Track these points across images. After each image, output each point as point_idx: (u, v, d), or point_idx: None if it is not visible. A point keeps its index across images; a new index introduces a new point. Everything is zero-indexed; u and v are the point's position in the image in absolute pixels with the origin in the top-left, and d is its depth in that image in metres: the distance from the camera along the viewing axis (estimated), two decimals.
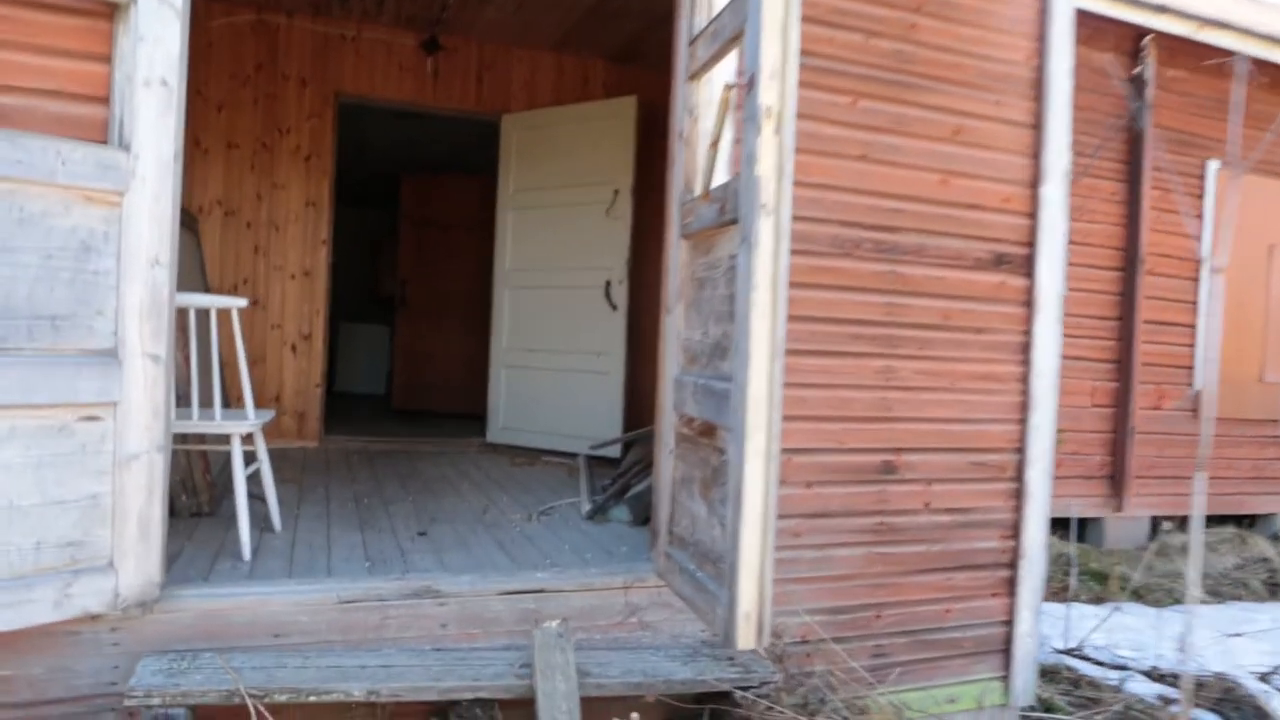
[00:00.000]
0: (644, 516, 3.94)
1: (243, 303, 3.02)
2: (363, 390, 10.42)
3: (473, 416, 7.62)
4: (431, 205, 8.22)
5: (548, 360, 5.89)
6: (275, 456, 5.49)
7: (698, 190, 3.00)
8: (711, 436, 2.66)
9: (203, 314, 3.70)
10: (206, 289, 4.84)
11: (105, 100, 2.48)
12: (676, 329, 3.03)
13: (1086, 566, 5.37)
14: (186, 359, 3.44)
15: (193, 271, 4.70)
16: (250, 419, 3.18)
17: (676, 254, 3.05)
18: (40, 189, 2.29)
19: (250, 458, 3.45)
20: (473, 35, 6.07)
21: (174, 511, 3.68)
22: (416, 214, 8.26)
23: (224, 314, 4.23)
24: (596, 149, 5.72)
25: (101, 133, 2.46)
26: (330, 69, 5.85)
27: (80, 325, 2.37)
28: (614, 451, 5.56)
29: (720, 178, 2.93)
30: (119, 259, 2.42)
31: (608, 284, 5.62)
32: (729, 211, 2.54)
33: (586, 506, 4.10)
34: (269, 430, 5.84)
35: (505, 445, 6.09)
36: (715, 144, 2.69)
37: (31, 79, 2.40)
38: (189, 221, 4.62)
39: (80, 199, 2.36)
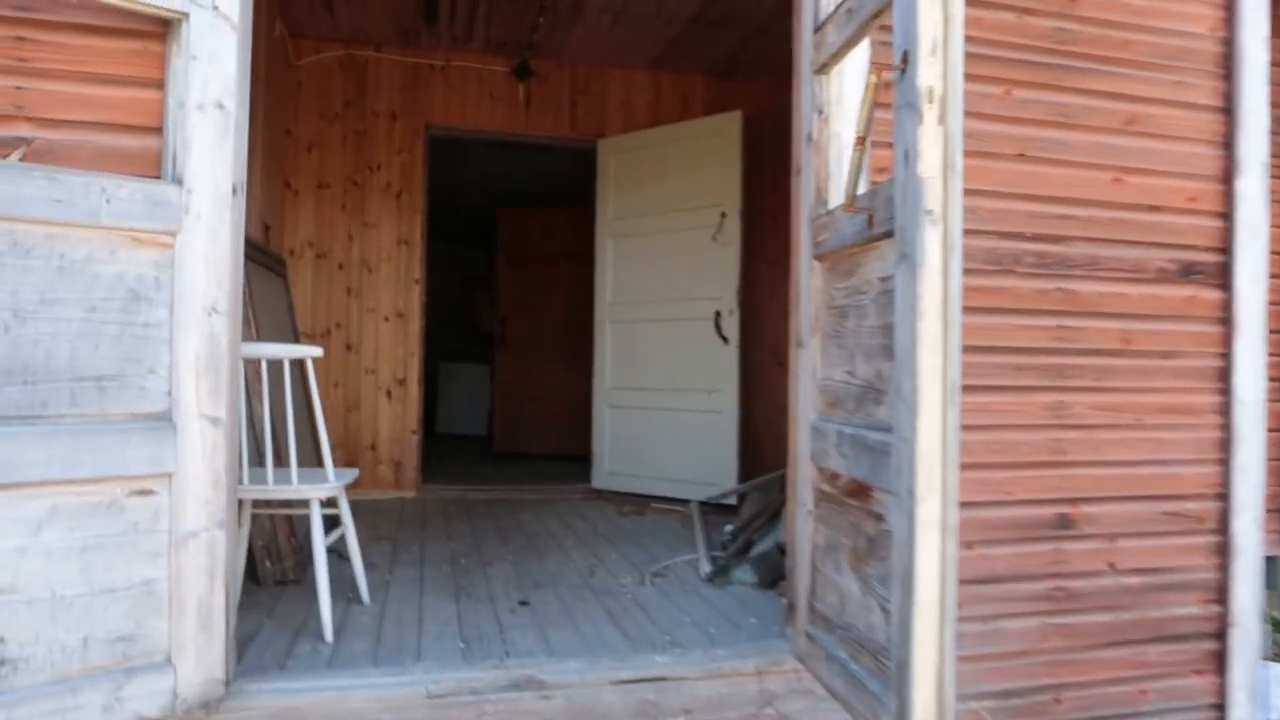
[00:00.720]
0: (771, 578, 3.47)
1: (317, 352, 2.70)
2: (465, 431, 10.21)
3: (577, 458, 7.28)
4: (528, 239, 7.95)
5: (655, 399, 5.48)
6: (370, 509, 5.28)
7: (833, 202, 2.55)
8: (864, 499, 2.19)
9: (276, 365, 3.41)
10: (296, 336, 4.62)
11: (157, 130, 2.19)
12: (811, 366, 2.57)
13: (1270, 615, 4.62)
14: (257, 415, 3.15)
15: (282, 317, 4.47)
16: (330, 481, 2.85)
17: (808, 278, 2.60)
18: (83, 232, 2.00)
19: (334, 521, 3.12)
20: (565, 58, 5.77)
21: (257, 579, 3.39)
22: (513, 249, 8.01)
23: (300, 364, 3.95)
24: (700, 170, 5.32)
25: (153, 167, 2.17)
26: (420, 101, 5.63)
27: (129, 386, 2.07)
28: (701, 494, 5.11)
29: (863, 186, 2.47)
30: (172, 308, 2.11)
31: (717, 315, 5.18)
32: (880, 224, 2.08)
33: (706, 567, 3.65)
34: (365, 481, 5.63)
35: (611, 492, 5.69)
36: (862, 140, 2.24)
37: (78, 110, 2.14)
38: (276, 265, 4.40)
39: (127, 241, 2.06)
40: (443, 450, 8.29)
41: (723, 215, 5.19)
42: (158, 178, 2.15)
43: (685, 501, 5.30)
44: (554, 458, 7.69)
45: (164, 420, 2.10)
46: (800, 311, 2.64)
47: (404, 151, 5.61)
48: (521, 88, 5.77)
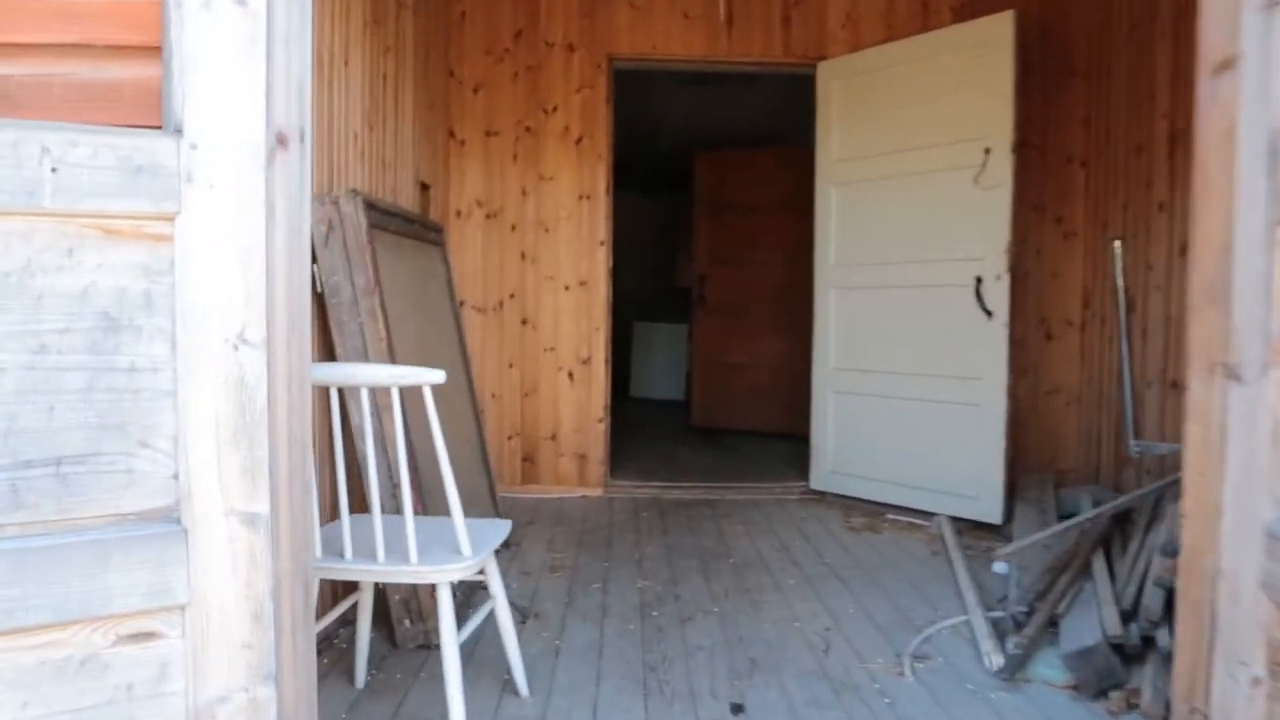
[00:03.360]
0: (1098, 683, 2.37)
1: (437, 377, 1.85)
2: (661, 395, 9.43)
3: (788, 437, 6.30)
4: (732, 186, 6.93)
5: (892, 385, 4.39)
6: (550, 512, 4.52)
7: None
8: None
9: (383, 392, 2.61)
10: (457, 318, 3.87)
11: (157, 50, 1.37)
12: (1272, 418, 1.45)
13: None
14: (389, 449, 2.36)
15: (437, 297, 3.72)
16: (466, 556, 2.00)
17: (1262, 256, 1.46)
18: (14, 223, 1.20)
19: (479, 594, 2.31)
20: None
21: (395, 642, 2.65)
22: (714, 197, 7.02)
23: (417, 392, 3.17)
24: (954, 94, 4.12)
25: (154, 113, 1.35)
26: (600, 28, 4.71)
27: (108, 469, 1.27)
28: (984, 512, 3.99)
29: None
30: (174, 340, 1.29)
31: (979, 281, 4.01)
32: None
33: (995, 657, 2.58)
34: (545, 475, 4.89)
35: (835, 495, 4.67)
36: None
37: (46, 26, 1.34)
38: (429, 235, 3.63)
39: (95, 234, 1.25)
40: (635, 421, 7.52)
41: (987, 151, 3.98)
42: (157, 128, 1.33)
43: (929, 515, 4.22)
44: (762, 435, 6.73)
45: (169, 522, 1.30)
46: (1235, 313, 1.51)
47: (584, 89, 4.72)
48: (722, 4, 4.72)
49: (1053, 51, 4.75)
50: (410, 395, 2.57)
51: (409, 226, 3.29)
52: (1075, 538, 3.09)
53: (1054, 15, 4.74)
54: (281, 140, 1.44)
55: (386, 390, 2.40)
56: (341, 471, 2.12)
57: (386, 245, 3.00)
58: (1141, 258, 4.14)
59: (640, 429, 7.09)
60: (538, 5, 4.70)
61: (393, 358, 2.63)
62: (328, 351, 2.74)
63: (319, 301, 2.70)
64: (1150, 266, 4.14)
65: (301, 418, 1.48)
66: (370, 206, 2.79)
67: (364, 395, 1.87)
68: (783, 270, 6.67)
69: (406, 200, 3.85)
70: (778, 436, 6.65)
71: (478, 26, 4.69)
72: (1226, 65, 1.57)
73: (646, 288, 11.77)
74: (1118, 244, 3.32)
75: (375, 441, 1.97)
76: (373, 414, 2.18)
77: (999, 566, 3.51)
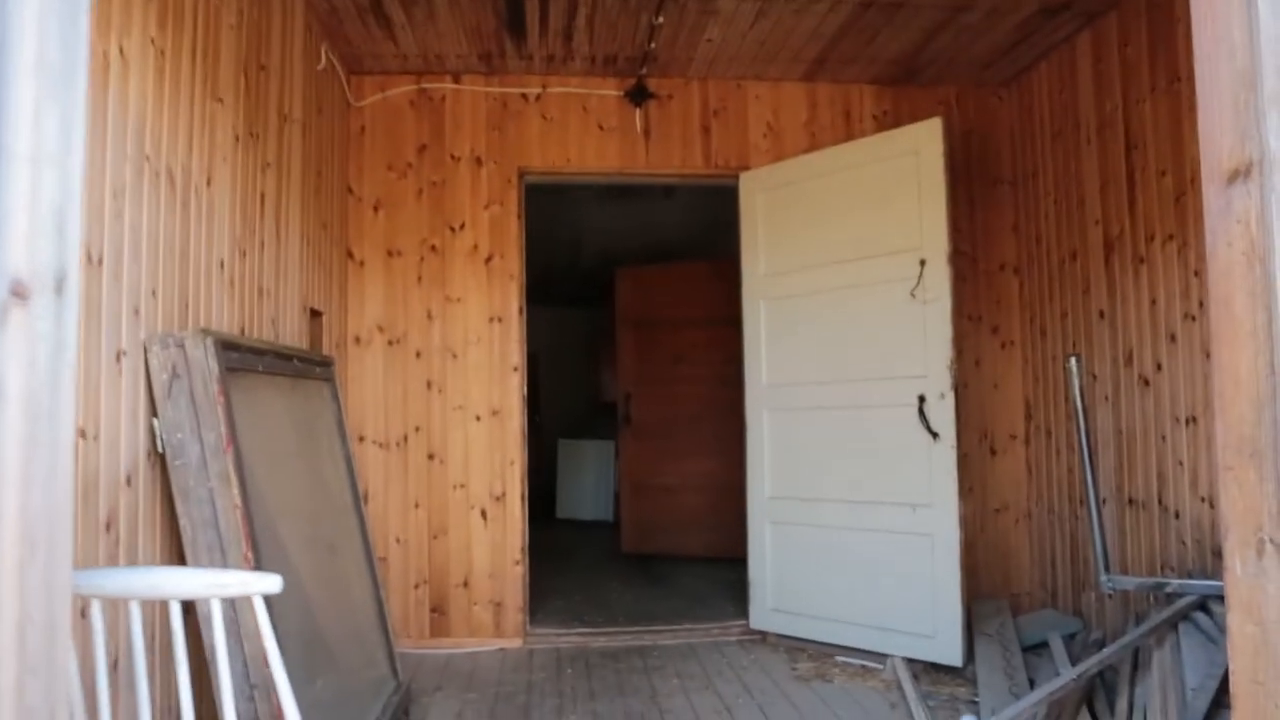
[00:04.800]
0: None
1: (271, 584, 1.42)
2: (589, 516, 8.95)
3: (724, 560, 5.91)
4: (655, 301, 6.67)
5: (834, 515, 4.04)
6: (462, 671, 3.94)
7: None
8: None
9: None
10: (348, 461, 3.42)
11: None
12: None
13: None
14: None
15: (327, 437, 3.28)
16: None
17: None
18: None
19: None
20: (692, 73, 4.50)
21: None
22: (637, 313, 6.74)
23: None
24: (884, 204, 3.92)
25: None
26: (510, 141, 4.45)
27: None
28: (942, 652, 3.62)
29: None
30: None
31: (922, 400, 3.73)
32: None
33: None
34: (458, 627, 4.36)
35: (778, 636, 4.25)
36: None
37: None
38: (312, 370, 3.21)
39: None
40: (561, 547, 7.03)
41: (922, 263, 3.75)
42: None
43: (882, 655, 3.83)
44: (696, 560, 6.30)
45: None
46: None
47: (493, 204, 4.42)
48: (638, 115, 4.52)
49: (978, 159, 4.64)
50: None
51: (284, 364, 2.87)
52: (1062, 679, 2.72)
53: (977, 123, 4.65)
54: (18, 292, 1.04)
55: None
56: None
57: (252, 388, 2.58)
58: (1085, 368, 3.93)
59: (566, 557, 6.60)
60: (442, 118, 4.42)
61: (249, 530, 2.18)
62: (169, 526, 2.27)
63: (160, 465, 2.25)
64: (1095, 377, 3.93)
65: (48, 680, 1.05)
66: (230, 346, 2.38)
67: (175, 612, 1.43)
68: (712, 387, 6.38)
69: (292, 330, 3.44)
70: (713, 560, 6.24)
71: (378, 141, 4.38)
72: (1242, 172, 1.28)
73: (572, 403, 11.40)
74: (1073, 361, 3.08)
75: (229, 664, 1.49)
76: (227, 634, 1.71)
77: None
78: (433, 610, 4.26)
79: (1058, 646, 3.43)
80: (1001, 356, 4.60)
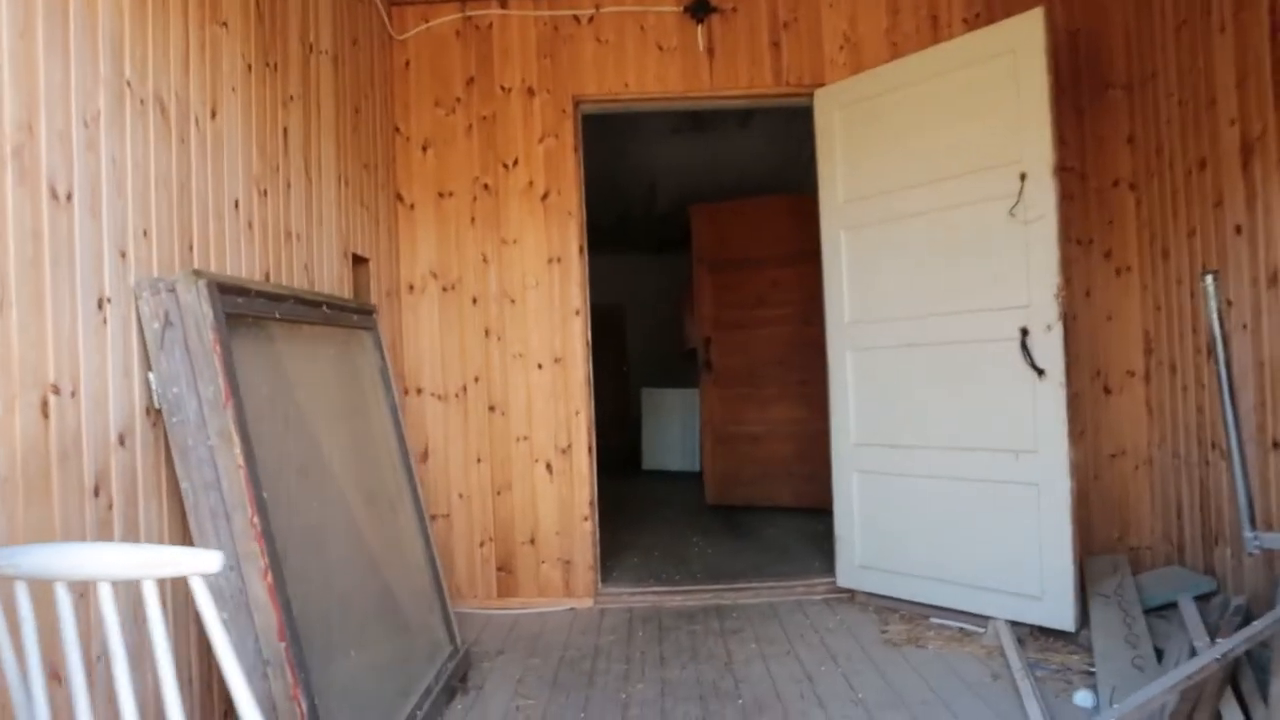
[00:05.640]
0: None
1: (210, 563, 1.17)
2: (676, 467, 8.72)
3: (813, 512, 5.62)
4: (733, 240, 6.29)
5: (926, 462, 3.66)
6: (529, 632, 3.71)
7: None
8: None
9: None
10: (395, 414, 3.21)
11: None
12: None
13: None
14: None
15: (368, 390, 3.07)
16: None
17: None
18: None
19: None
20: None
21: None
22: (714, 254, 6.37)
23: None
24: (977, 114, 3.46)
25: None
26: (565, 68, 4.12)
27: None
28: (1051, 616, 3.24)
29: None
30: None
31: (1024, 333, 3.30)
32: None
33: None
34: (526, 587, 4.16)
35: (867, 594, 3.92)
36: None
37: None
38: (347, 318, 2.99)
39: None
40: (644, 501, 6.81)
41: (1022, 177, 3.30)
42: None
43: (983, 618, 3.47)
44: (783, 511, 6.00)
45: None
46: None
47: (548, 137, 4.11)
48: (700, 31, 4.13)
49: (1086, 62, 4.10)
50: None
51: (310, 311, 2.64)
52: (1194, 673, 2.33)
53: (1084, 21, 4.10)
54: None
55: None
56: None
57: (268, 337, 2.36)
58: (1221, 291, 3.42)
59: (647, 510, 6.38)
60: (490, 47, 4.12)
61: (254, 493, 1.97)
62: (174, 489, 2.08)
63: (160, 422, 2.05)
64: (1230, 303, 3.42)
65: None
66: (234, 290, 2.15)
67: (105, 595, 1.20)
68: (796, 328, 6.01)
69: (330, 277, 3.23)
70: (801, 511, 5.93)
71: (423, 75, 4.12)
72: None
73: (659, 352, 11.13)
74: (1210, 279, 2.62)
75: (230, 642, 1.25)
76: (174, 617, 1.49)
77: (1082, 697, 2.75)
78: (499, 569, 4.07)
79: (1190, 613, 3.01)
80: (1116, 284, 4.09)
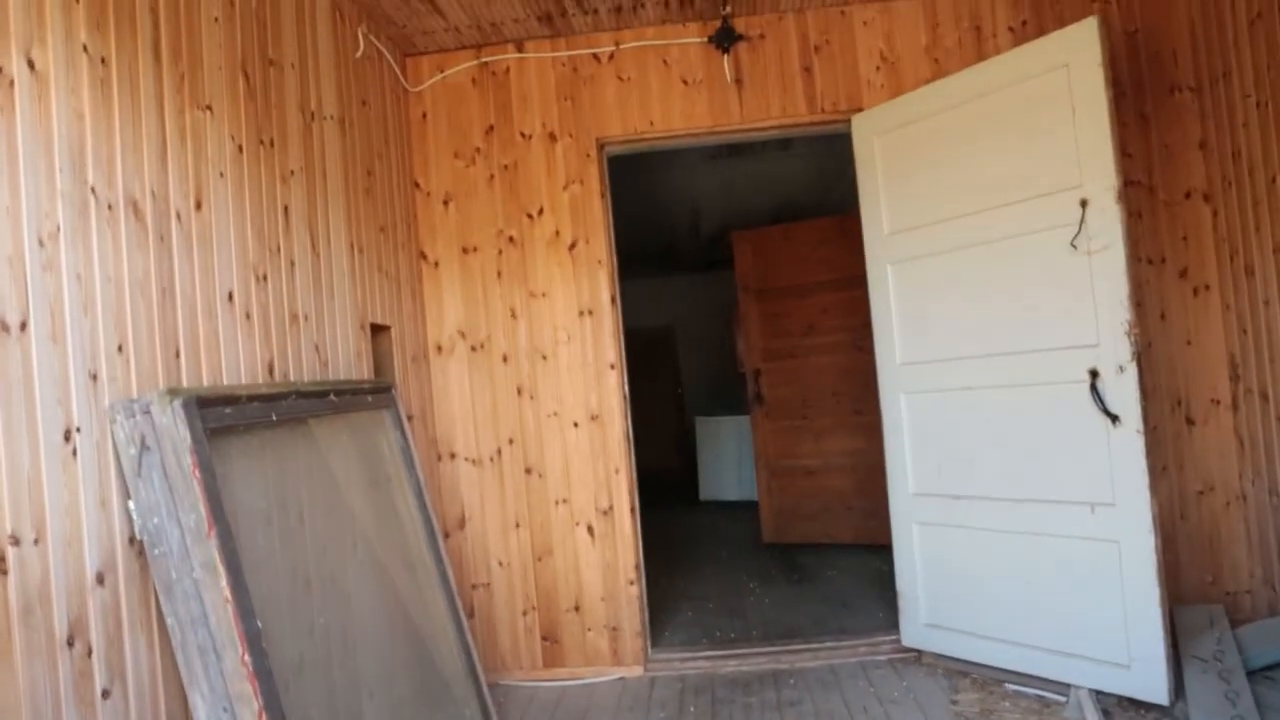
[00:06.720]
0: None
1: None
2: (734, 496, 8.47)
3: (876, 549, 5.37)
4: (778, 266, 6.04)
5: (993, 516, 3.38)
6: (578, 706, 3.57)
7: None
8: None
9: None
10: (418, 490, 3.04)
11: None
12: None
13: None
14: None
15: (391, 472, 2.91)
16: None
17: None
18: None
19: None
20: (784, 5, 3.85)
21: None
22: (759, 281, 6.13)
23: None
24: (1030, 134, 3.19)
25: None
26: (585, 110, 3.94)
27: None
28: (1140, 686, 2.93)
29: None
30: None
31: (1094, 375, 3.01)
32: None
33: None
34: (572, 655, 3.95)
35: (935, 655, 3.64)
36: None
37: None
38: (361, 401, 2.83)
39: None
40: (699, 537, 6.59)
41: (1083, 204, 3.01)
42: None
43: (1063, 685, 3.17)
44: (843, 549, 5.73)
45: None
46: None
47: (572, 184, 3.93)
48: (727, 61, 3.91)
49: (1148, 64, 3.78)
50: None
51: (315, 404, 2.49)
52: None
53: (1144, 19, 3.79)
54: None
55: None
56: None
57: (264, 444, 2.21)
58: None
59: (702, 551, 6.14)
60: (508, 93, 3.96)
61: (244, 628, 1.80)
62: (162, 622, 1.92)
63: (144, 551, 1.90)
64: None
65: None
66: (220, 401, 2.00)
67: None
68: (850, 356, 5.74)
69: (345, 353, 3.08)
70: (862, 548, 5.66)
71: (441, 127, 3.97)
72: None
73: (711, 375, 10.90)
74: None
75: None
76: None
77: None
78: (544, 638, 3.88)
79: None
80: (1194, 305, 3.76)
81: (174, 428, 1.83)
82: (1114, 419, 2.96)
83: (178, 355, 2.12)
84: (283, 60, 2.81)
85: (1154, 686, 2.92)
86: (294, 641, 2.06)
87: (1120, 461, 2.96)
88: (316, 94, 3.03)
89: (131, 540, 1.89)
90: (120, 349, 1.91)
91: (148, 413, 1.84)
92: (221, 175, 2.39)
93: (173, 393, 1.85)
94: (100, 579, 1.79)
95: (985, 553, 3.40)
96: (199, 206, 2.27)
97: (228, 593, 1.82)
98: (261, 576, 1.97)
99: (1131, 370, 2.92)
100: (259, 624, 1.87)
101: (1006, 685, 3.35)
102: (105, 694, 1.77)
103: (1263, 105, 3.37)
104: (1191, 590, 3.69)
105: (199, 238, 2.26)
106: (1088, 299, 3.01)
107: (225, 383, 2.29)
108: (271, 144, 2.69)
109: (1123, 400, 2.94)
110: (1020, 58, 3.24)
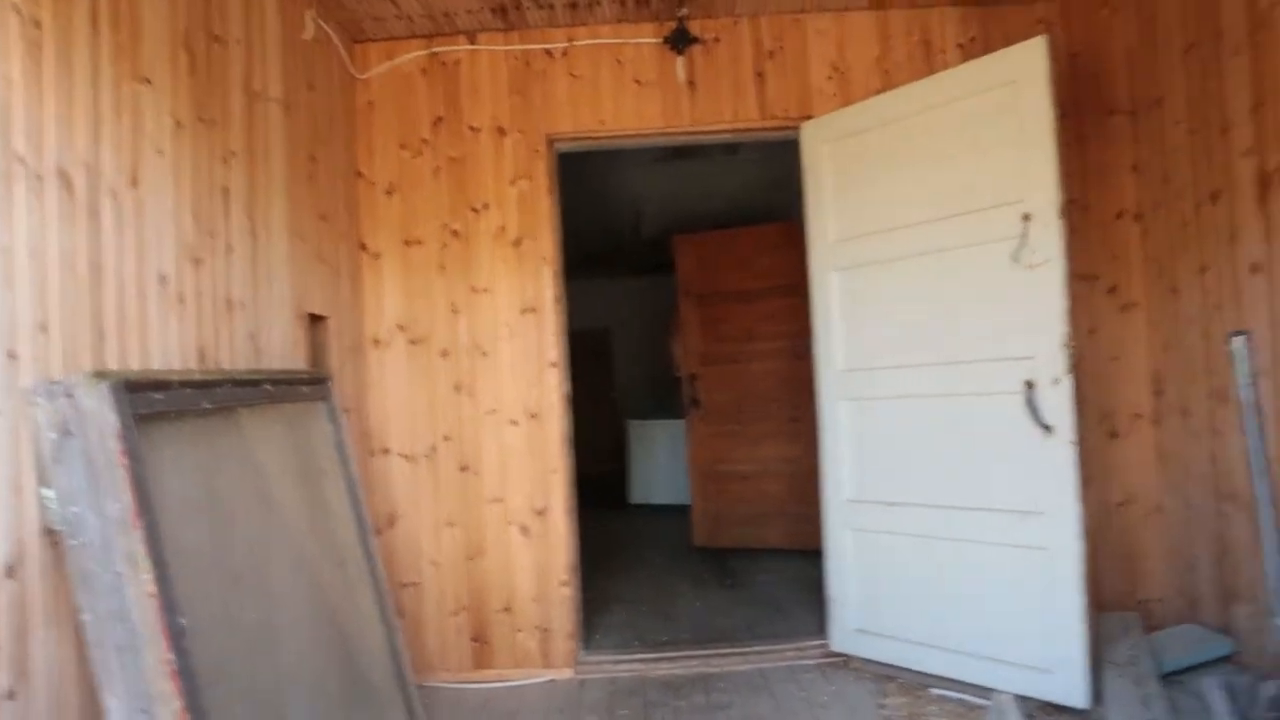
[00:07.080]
0: None
1: None
2: (664, 500, 8.47)
3: (806, 554, 5.41)
4: (719, 271, 6.06)
5: (926, 522, 3.43)
6: (505, 710, 3.53)
7: None
8: None
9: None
10: (351, 487, 2.97)
11: None
12: None
13: None
14: None
15: (325, 465, 2.83)
16: None
17: None
18: None
19: None
20: (739, 9, 3.87)
21: None
22: (700, 285, 6.14)
23: None
24: (976, 149, 3.25)
25: None
26: (536, 105, 3.90)
27: None
28: (1062, 691, 3.00)
29: None
30: None
31: (1029, 387, 3.07)
32: None
33: None
34: (501, 657, 3.87)
35: (863, 660, 3.68)
36: None
37: None
38: (297, 392, 2.75)
39: None
40: (629, 540, 6.58)
41: (1026, 218, 3.08)
42: None
43: (987, 690, 3.23)
44: (774, 554, 5.78)
45: None
46: None
47: (520, 179, 3.89)
48: (680, 63, 3.91)
49: (1087, 86, 3.89)
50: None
51: (249, 392, 2.41)
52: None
53: (1086, 42, 3.90)
54: None
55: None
56: None
57: (197, 432, 2.12)
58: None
59: (633, 554, 6.14)
60: (458, 85, 3.90)
61: (167, 624, 1.72)
62: (73, 619, 1.83)
63: (54, 546, 1.81)
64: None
65: None
66: (151, 386, 1.92)
67: None
68: (788, 363, 5.79)
69: (281, 342, 2.99)
70: (793, 553, 5.71)
71: (388, 116, 3.89)
72: None
73: (647, 378, 10.90)
74: (1240, 340, 2.41)
75: None
76: None
77: None
78: (474, 639, 3.82)
79: (1216, 699, 2.77)
80: (1121, 321, 3.88)
81: (100, 412, 1.74)
82: (1047, 429, 3.03)
83: (103, 337, 2.02)
84: (228, 37, 2.72)
85: (1074, 692, 2.99)
86: (219, 639, 1.98)
87: (1052, 471, 3.03)
88: (261, 75, 2.94)
89: (46, 530, 1.79)
90: (43, 328, 1.82)
91: (71, 395, 1.75)
92: (159, 152, 2.30)
93: (100, 375, 1.77)
94: (10, 571, 1.70)
95: (917, 559, 3.45)
96: (134, 183, 2.18)
97: (151, 587, 1.74)
98: (187, 570, 1.89)
99: (1066, 382, 2.99)
100: (183, 620, 1.80)
101: (933, 690, 3.40)
102: (10, 695, 1.68)
103: (1194, 132, 3.49)
104: (1111, 596, 3.79)
105: (134, 216, 2.17)
106: (1026, 311, 3.08)
107: (154, 367, 2.20)
108: (213, 123, 2.60)
109: (1057, 412, 3.01)
110: (969, 73, 3.30)
